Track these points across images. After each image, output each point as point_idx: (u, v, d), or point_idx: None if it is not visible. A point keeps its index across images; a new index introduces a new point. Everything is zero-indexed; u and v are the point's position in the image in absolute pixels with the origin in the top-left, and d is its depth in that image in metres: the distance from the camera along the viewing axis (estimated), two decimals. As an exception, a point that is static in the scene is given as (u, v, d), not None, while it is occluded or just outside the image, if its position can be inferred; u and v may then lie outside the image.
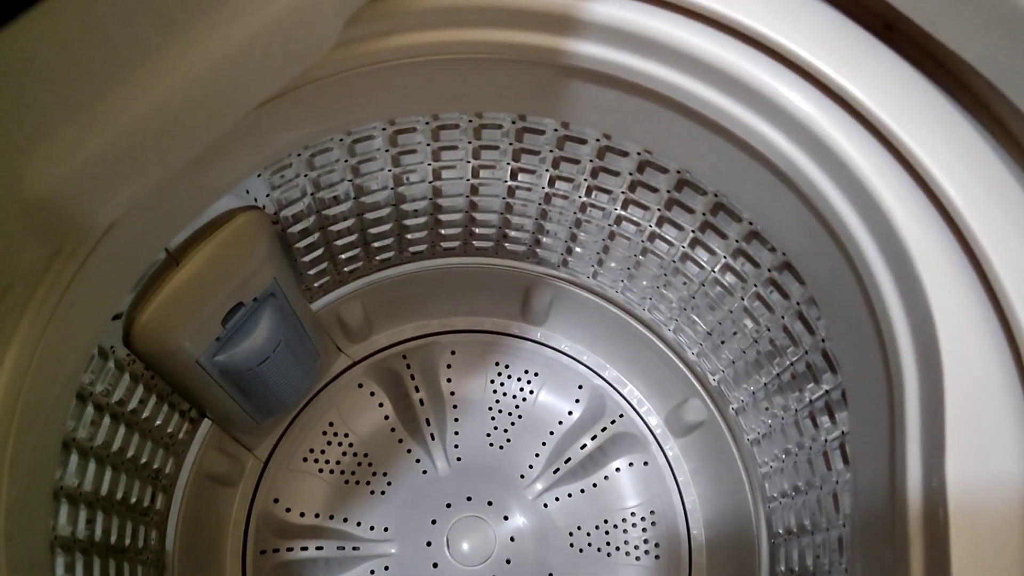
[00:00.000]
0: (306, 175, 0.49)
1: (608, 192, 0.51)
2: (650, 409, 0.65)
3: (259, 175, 0.46)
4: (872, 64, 0.31)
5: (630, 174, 0.48)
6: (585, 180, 0.51)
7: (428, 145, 0.51)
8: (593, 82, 0.38)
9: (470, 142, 0.50)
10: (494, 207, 0.57)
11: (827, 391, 0.45)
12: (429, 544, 0.60)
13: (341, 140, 0.47)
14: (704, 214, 0.46)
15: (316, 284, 0.58)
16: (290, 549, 0.59)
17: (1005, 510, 0.28)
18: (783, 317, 0.46)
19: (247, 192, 0.47)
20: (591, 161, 0.49)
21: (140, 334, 0.42)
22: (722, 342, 0.54)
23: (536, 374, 0.66)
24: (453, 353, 0.67)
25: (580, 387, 0.66)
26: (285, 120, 0.37)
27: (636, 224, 0.52)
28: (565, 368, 0.66)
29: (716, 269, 0.50)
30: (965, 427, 0.28)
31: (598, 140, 0.47)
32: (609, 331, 0.63)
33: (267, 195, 0.48)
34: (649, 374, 0.64)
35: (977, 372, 0.28)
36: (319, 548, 0.59)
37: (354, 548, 0.60)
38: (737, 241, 0.46)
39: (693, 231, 0.48)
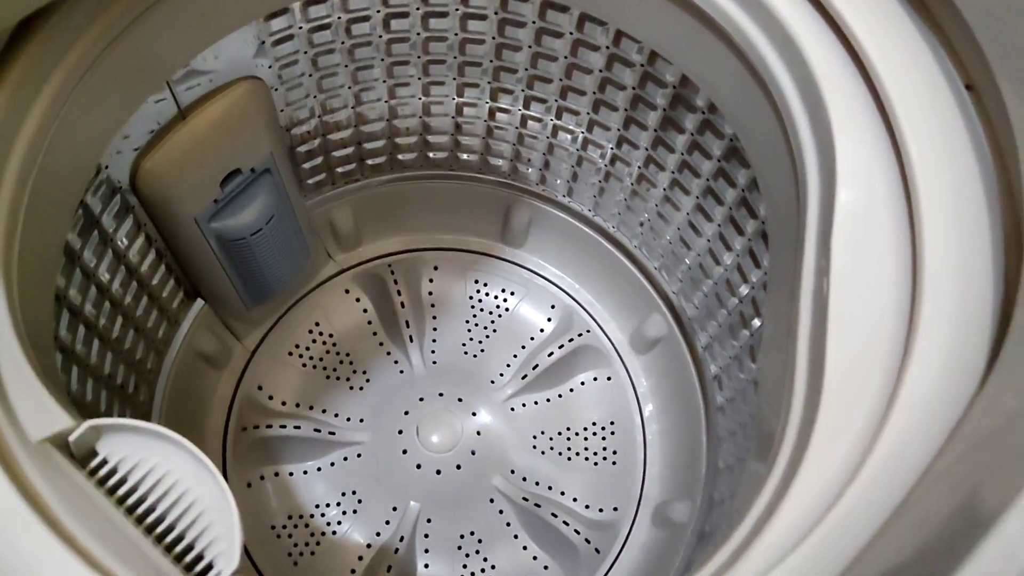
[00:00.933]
0: (310, 75, 0.54)
1: (575, 114, 0.56)
2: (616, 328, 0.69)
3: (269, 66, 0.51)
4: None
5: (594, 93, 0.53)
6: (556, 101, 0.56)
7: (419, 57, 0.56)
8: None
9: (455, 56, 0.55)
10: (476, 131, 0.62)
11: (765, 273, 0.49)
12: (400, 432, 0.64)
13: (343, 43, 0.53)
14: (666, 109, 0.51)
15: (310, 181, 0.62)
16: (269, 426, 0.63)
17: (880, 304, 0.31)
18: (731, 208, 0.51)
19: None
20: (560, 80, 0.54)
21: (145, 176, 0.47)
22: (685, 246, 0.58)
23: (512, 292, 0.71)
24: (436, 268, 0.71)
25: (553, 306, 0.70)
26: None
27: (600, 147, 0.57)
28: (540, 288, 0.70)
29: (675, 169, 0.54)
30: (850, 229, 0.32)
31: (566, 57, 0.52)
32: (582, 252, 0.68)
33: (275, 80, 0.52)
34: (617, 294, 0.68)
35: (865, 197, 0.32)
36: (296, 428, 0.63)
37: (330, 433, 0.63)
38: (693, 134, 0.50)
39: (656, 130, 0.53)
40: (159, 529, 0.29)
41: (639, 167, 0.57)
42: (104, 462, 0.29)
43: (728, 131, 0.47)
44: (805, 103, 0.35)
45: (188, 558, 0.29)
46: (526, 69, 0.55)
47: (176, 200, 0.49)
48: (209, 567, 0.29)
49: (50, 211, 0.37)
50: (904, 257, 0.30)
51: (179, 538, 0.29)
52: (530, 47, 0.53)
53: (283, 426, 0.63)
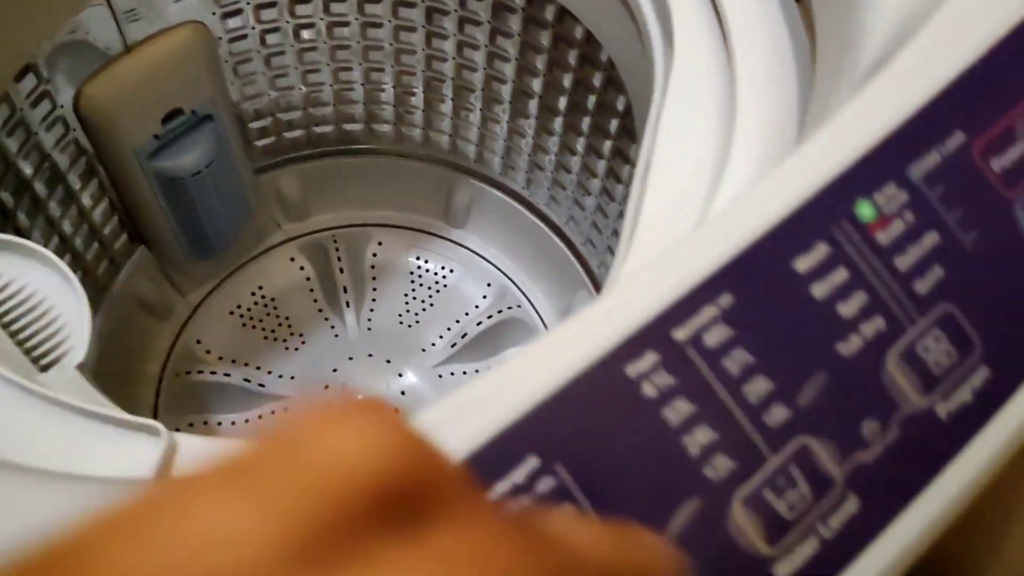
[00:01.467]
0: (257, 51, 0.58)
1: (502, 82, 0.60)
2: (547, 305, 0.71)
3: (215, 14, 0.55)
4: None
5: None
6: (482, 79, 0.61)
7: (358, 43, 0.60)
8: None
9: (390, 44, 0.60)
10: (416, 106, 0.66)
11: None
12: (327, 387, 0.66)
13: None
14: (577, 72, 0.55)
15: (258, 142, 0.66)
16: (200, 372, 0.65)
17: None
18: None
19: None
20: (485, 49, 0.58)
21: (85, 101, 0.51)
22: (602, 214, 0.61)
23: (452, 271, 0.74)
24: (380, 244, 0.74)
25: (489, 284, 0.73)
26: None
27: (526, 118, 0.60)
28: (479, 267, 0.73)
29: (587, 133, 0.58)
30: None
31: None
32: (519, 232, 0.71)
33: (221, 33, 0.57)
34: (549, 272, 0.71)
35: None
36: (227, 375, 0.65)
37: (260, 385, 0.66)
38: (598, 93, 0.54)
39: (570, 93, 0.57)
40: (14, 327, 0.31)
41: (559, 137, 0.61)
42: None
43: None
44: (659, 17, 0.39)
45: (42, 350, 0.31)
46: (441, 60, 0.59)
47: (115, 126, 0.53)
48: (62, 356, 0.31)
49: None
50: (720, 126, 0.33)
51: (34, 334, 0.31)
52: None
53: (213, 372, 0.65)
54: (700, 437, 0.19)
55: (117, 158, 0.55)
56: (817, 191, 0.21)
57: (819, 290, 0.21)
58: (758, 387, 0.20)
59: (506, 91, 0.61)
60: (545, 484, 0.18)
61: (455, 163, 0.70)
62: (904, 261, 0.22)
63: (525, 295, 0.72)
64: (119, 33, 0.52)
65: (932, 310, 0.21)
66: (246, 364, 0.67)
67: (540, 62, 0.56)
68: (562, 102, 0.58)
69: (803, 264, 0.21)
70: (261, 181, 0.68)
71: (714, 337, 0.20)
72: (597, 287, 0.66)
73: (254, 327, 0.69)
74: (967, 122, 0.23)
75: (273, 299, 0.71)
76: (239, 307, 0.70)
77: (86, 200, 0.56)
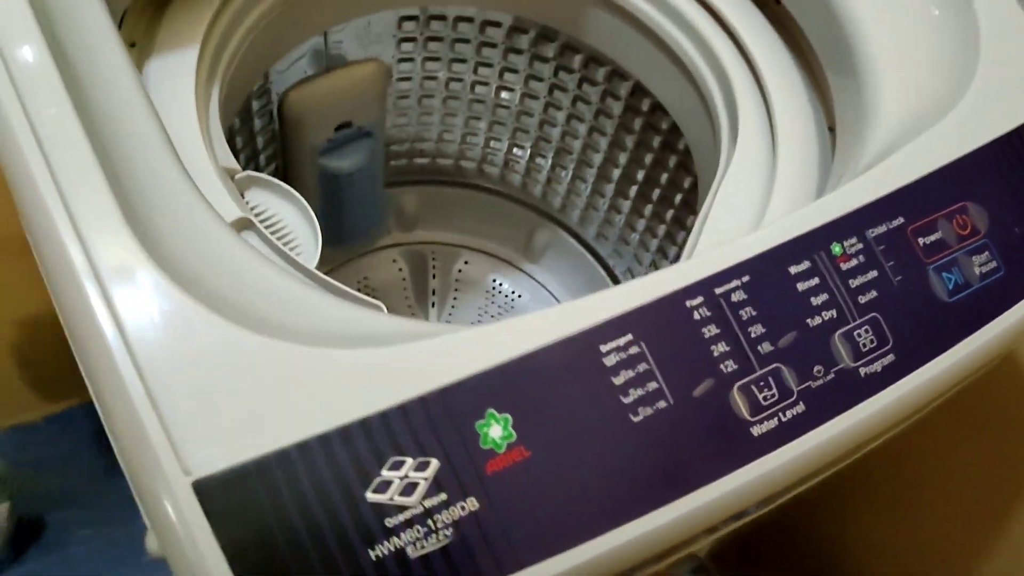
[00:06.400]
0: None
1: (591, 159, 0.76)
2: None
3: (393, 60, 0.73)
4: (747, 12, 0.57)
5: (607, 147, 0.73)
6: (578, 153, 0.77)
7: (490, 113, 0.77)
8: None
9: (515, 117, 0.77)
10: (519, 168, 0.82)
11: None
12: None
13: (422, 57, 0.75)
14: (654, 146, 0.71)
15: (393, 162, 0.83)
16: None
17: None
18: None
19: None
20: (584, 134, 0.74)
21: (290, 101, 0.68)
22: (649, 261, 0.76)
23: (520, 296, 0.89)
24: (466, 262, 0.90)
25: (548, 312, 0.88)
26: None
27: (603, 194, 0.76)
28: (543, 297, 0.89)
29: (652, 206, 0.73)
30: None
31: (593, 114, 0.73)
32: (582, 274, 0.86)
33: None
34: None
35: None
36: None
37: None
38: (662, 161, 0.70)
39: (640, 170, 0.72)
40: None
41: (631, 201, 0.76)
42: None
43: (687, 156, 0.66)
44: (727, 109, 0.54)
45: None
46: (553, 125, 0.76)
47: (304, 126, 0.70)
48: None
49: (231, 96, 0.58)
50: (762, 201, 0.49)
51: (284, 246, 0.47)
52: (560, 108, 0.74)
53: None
54: (720, 347, 0.34)
55: (298, 150, 0.72)
56: (809, 231, 0.37)
57: (801, 286, 0.36)
58: (758, 329, 0.34)
59: (597, 159, 0.77)
60: (633, 349, 0.33)
61: (542, 209, 0.86)
62: (854, 282, 0.36)
63: (577, 327, 0.87)
64: (324, 57, 0.69)
65: (867, 314, 0.36)
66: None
67: (630, 140, 0.72)
68: (640, 174, 0.74)
69: (794, 269, 0.36)
70: (388, 193, 0.84)
71: (735, 296, 0.35)
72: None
73: (354, 308, 0.85)
74: (908, 212, 0.38)
75: (375, 289, 0.86)
76: (346, 290, 0.85)
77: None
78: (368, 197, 0.80)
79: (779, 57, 0.53)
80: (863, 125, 0.44)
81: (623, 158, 0.74)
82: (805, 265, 0.36)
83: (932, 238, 0.38)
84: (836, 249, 0.37)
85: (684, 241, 0.69)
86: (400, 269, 0.88)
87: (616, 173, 0.76)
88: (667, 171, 0.71)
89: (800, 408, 0.34)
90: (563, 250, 0.87)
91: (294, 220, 0.48)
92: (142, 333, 0.30)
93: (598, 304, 0.34)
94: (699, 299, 0.34)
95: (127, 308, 0.31)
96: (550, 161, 0.81)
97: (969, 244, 0.39)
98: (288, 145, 0.72)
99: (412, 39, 0.72)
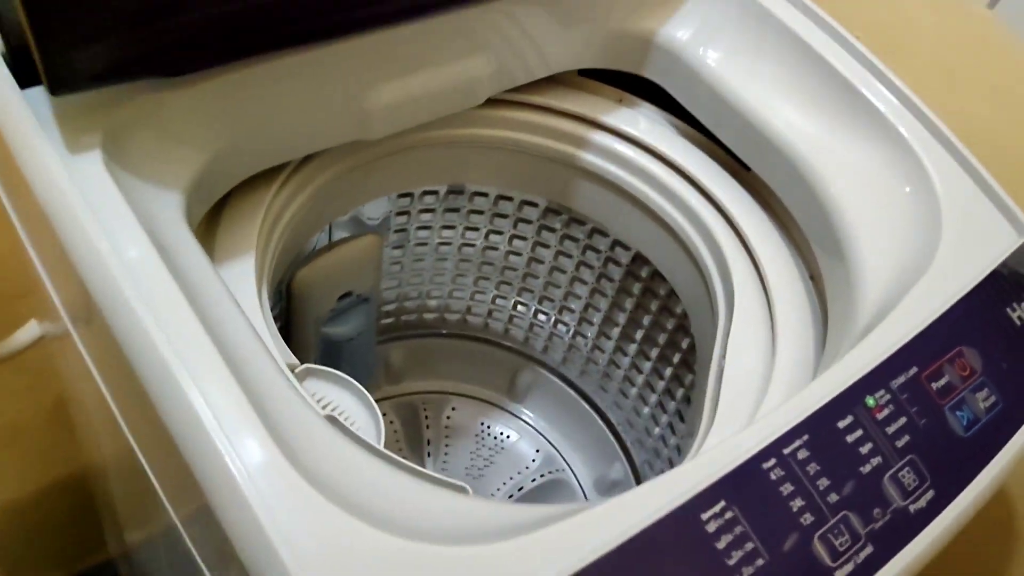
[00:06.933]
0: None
1: (571, 311, 0.82)
2: (584, 472, 0.90)
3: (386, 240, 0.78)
4: (728, 186, 0.64)
5: (588, 297, 0.80)
6: (560, 303, 0.83)
7: (476, 270, 0.83)
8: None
9: (500, 273, 0.83)
10: (502, 317, 0.87)
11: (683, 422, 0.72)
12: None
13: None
14: (639, 296, 0.77)
15: (382, 322, 0.86)
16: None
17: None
18: (668, 380, 0.75)
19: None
20: (563, 287, 0.81)
21: (298, 280, 0.71)
22: (642, 401, 0.82)
23: (508, 436, 0.92)
24: (454, 409, 0.93)
25: (538, 450, 0.91)
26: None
27: (584, 336, 0.82)
28: (531, 435, 0.92)
29: (634, 353, 0.79)
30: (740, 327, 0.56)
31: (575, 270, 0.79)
32: (567, 409, 0.90)
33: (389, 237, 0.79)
34: (589, 444, 0.90)
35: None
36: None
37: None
38: (654, 313, 0.76)
39: (625, 320, 0.79)
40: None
41: (610, 353, 0.82)
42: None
43: (678, 310, 0.73)
44: (723, 283, 0.61)
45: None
46: (536, 277, 0.82)
47: (310, 301, 0.73)
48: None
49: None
50: (767, 350, 0.55)
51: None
52: (541, 261, 0.80)
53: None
54: (797, 503, 0.39)
55: (303, 323, 0.74)
56: (846, 388, 0.42)
57: (849, 438, 0.41)
58: (824, 482, 0.40)
59: (596, 318, 0.83)
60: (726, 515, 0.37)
61: (524, 352, 0.91)
62: (889, 429, 0.42)
63: (567, 462, 0.90)
64: (328, 233, 0.73)
65: (905, 456, 0.42)
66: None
67: (629, 303, 0.78)
68: (621, 317, 0.80)
69: (841, 424, 0.41)
70: (378, 349, 0.87)
71: (801, 455, 0.40)
72: (631, 461, 0.85)
73: (351, 466, 0.86)
74: (919, 362, 0.45)
75: (368, 444, 0.88)
76: (341, 448, 0.87)
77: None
78: (363, 356, 0.83)
79: (758, 218, 0.61)
80: (853, 288, 0.50)
81: (622, 318, 0.80)
82: (849, 419, 0.42)
83: (942, 382, 0.45)
84: (870, 402, 0.43)
85: (670, 375, 0.75)
86: (391, 422, 0.90)
87: (598, 317, 0.82)
88: (649, 313, 0.77)
89: (869, 550, 0.39)
90: (547, 389, 0.91)
91: (353, 406, 0.51)
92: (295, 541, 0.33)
93: (690, 476, 0.38)
94: (772, 461, 0.39)
95: (273, 511, 0.33)
96: (532, 308, 0.86)
97: (971, 383, 0.45)
98: (294, 318, 0.75)
99: (406, 212, 0.77)
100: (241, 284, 0.49)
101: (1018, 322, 0.48)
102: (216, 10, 0.38)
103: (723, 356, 0.55)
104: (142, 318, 0.36)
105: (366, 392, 0.51)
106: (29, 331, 0.63)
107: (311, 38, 0.42)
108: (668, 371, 0.77)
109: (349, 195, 0.65)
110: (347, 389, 0.52)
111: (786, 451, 0.40)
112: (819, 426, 0.41)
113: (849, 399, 0.42)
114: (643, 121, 0.65)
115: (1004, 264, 0.50)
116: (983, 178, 0.53)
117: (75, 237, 0.36)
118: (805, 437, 0.41)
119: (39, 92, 0.40)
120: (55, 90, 0.35)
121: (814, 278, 0.59)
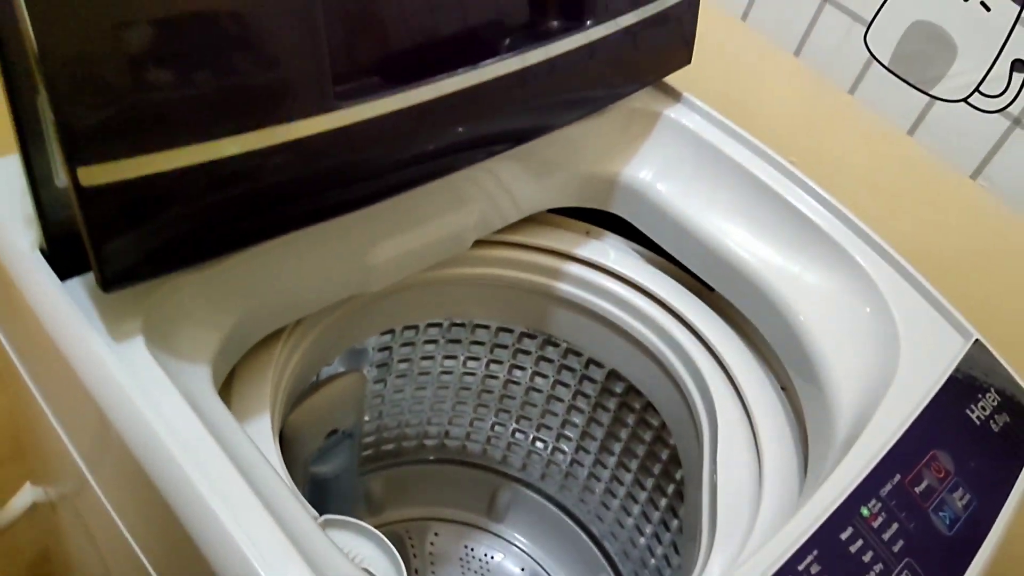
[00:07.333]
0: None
1: (549, 429, 0.86)
2: (572, 586, 0.91)
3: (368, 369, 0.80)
4: (695, 305, 0.69)
5: (564, 416, 0.83)
6: (538, 422, 0.86)
7: (454, 396, 0.86)
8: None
9: (478, 397, 0.86)
10: (480, 439, 0.90)
11: (669, 531, 0.75)
12: (409, 653, 0.81)
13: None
14: (617, 412, 0.81)
15: (363, 453, 0.88)
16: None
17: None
18: (650, 490, 0.78)
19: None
20: (542, 407, 0.84)
21: (290, 424, 0.72)
22: (626, 512, 0.84)
23: (492, 557, 0.93)
24: (436, 534, 0.93)
25: (523, 569, 0.92)
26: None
27: (564, 452, 0.85)
28: (514, 553, 0.93)
29: (614, 467, 0.82)
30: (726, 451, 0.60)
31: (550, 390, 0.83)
32: (549, 525, 0.92)
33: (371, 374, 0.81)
34: (573, 558, 0.91)
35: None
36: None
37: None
38: (635, 433, 0.79)
39: (604, 437, 0.82)
40: None
41: (589, 467, 0.85)
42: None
43: (655, 422, 0.76)
44: (702, 397, 0.65)
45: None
46: (512, 398, 0.85)
47: (300, 443, 0.74)
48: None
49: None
50: (753, 460, 0.59)
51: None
52: (519, 384, 0.84)
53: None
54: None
55: (292, 464, 0.75)
56: (843, 502, 0.46)
57: (852, 548, 0.45)
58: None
59: (575, 433, 0.86)
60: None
61: (502, 471, 0.93)
62: (885, 536, 0.46)
63: (553, 578, 0.92)
64: (316, 377, 0.75)
65: (902, 559, 0.46)
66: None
67: (606, 418, 0.82)
68: (599, 431, 0.83)
69: (843, 536, 0.45)
70: (359, 481, 0.88)
71: (814, 569, 0.43)
72: (617, 572, 0.87)
73: (340, 603, 0.85)
74: (900, 469, 0.49)
75: None
76: (328, 586, 0.86)
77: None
78: (346, 490, 0.83)
79: (727, 334, 0.66)
80: (829, 408, 0.55)
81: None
82: (849, 531, 0.46)
83: (923, 486, 0.49)
84: (865, 512, 0.47)
85: (652, 485, 0.78)
86: (376, 553, 0.90)
87: (576, 432, 0.85)
88: (627, 427, 0.80)
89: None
90: (527, 506, 0.93)
91: (373, 555, 0.53)
92: None
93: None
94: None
95: None
96: (511, 428, 0.89)
97: (947, 484, 0.50)
98: (285, 461, 0.76)
99: (387, 348, 0.79)
100: (263, 442, 0.51)
101: (977, 422, 0.54)
102: (265, 201, 0.41)
103: (714, 472, 0.59)
104: (210, 502, 0.37)
105: (387, 541, 0.53)
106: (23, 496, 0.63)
107: (333, 214, 0.45)
108: (650, 481, 0.80)
109: (343, 339, 0.68)
110: (368, 538, 0.53)
111: (800, 567, 0.43)
112: (825, 540, 0.45)
113: (847, 512, 0.46)
114: (612, 251, 0.70)
115: (958, 369, 0.55)
116: (928, 291, 0.59)
117: (133, 424, 0.38)
118: (815, 552, 0.44)
119: (78, 284, 0.42)
120: (107, 288, 0.38)
121: (784, 388, 0.64)
